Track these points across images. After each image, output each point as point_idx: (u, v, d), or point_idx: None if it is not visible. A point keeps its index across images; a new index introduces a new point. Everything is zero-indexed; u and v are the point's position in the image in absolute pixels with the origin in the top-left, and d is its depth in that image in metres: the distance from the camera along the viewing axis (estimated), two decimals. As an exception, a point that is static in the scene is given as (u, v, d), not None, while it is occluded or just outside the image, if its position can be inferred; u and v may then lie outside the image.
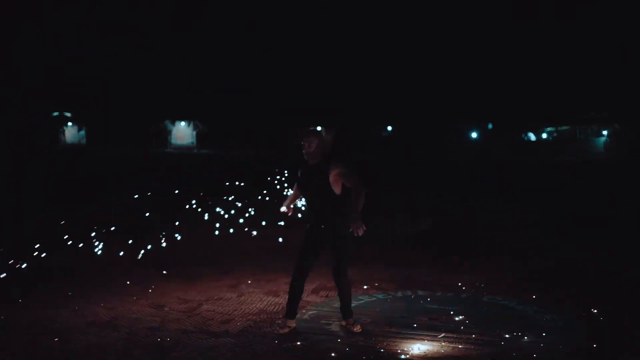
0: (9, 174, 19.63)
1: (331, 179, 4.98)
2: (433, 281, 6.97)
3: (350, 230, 4.83)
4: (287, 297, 5.29)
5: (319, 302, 6.10)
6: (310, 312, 5.72)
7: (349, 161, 5.19)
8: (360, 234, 4.81)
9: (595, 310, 5.73)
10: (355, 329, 5.18)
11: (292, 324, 5.19)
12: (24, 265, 7.24)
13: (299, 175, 5.27)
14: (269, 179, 13.00)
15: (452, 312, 5.69)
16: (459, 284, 6.82)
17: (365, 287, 6.65)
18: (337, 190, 5.01)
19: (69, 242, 9.07)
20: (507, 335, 5.04)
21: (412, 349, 4.76)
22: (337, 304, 5.97)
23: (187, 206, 13.06)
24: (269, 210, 10.33)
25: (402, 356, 4.64)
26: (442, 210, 13.23)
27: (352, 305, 5.95)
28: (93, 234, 9.08)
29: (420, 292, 6.47)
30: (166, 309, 5.82)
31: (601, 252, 8.54)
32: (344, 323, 5.28)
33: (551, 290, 6.54)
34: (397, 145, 39.55)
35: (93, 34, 36.68)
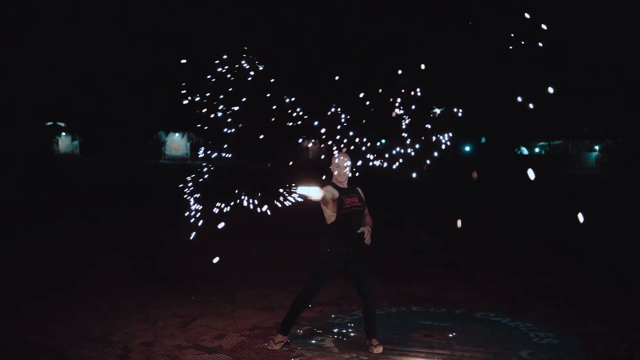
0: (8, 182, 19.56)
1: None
2: (428, 297, 6.99)
3: (366, 237, 5.03)
4: (281, 312, 5.29)
5: (313, 317, 6.10)
6: (305, 328, 5.73)
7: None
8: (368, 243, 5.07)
9: (592, 329, 5.73)
10: (375, 350, 5.04)
11: (284, 339, 5.18)
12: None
13: (346, 203, 4.98)
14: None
15: (445, 329, 5.71)
16: (454, 300, 6.84)
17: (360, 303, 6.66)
18: None
19: (63, 254, 9.07)
20: (499, 353, 5.06)
21: (406, 366, 4.79)
22: (330, 319, 6.00)
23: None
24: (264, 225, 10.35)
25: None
26: (442, 223, 13.23)
27: (346, 320, 5.98)
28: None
29: (414, 308, 6.50)
30: (160, 323, 5.81)
31: (600, 269, 8.56)
32: (368, 342, 5.13)
33: (546, 306, 6.56)
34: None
35: (87, 43, 36.66)
